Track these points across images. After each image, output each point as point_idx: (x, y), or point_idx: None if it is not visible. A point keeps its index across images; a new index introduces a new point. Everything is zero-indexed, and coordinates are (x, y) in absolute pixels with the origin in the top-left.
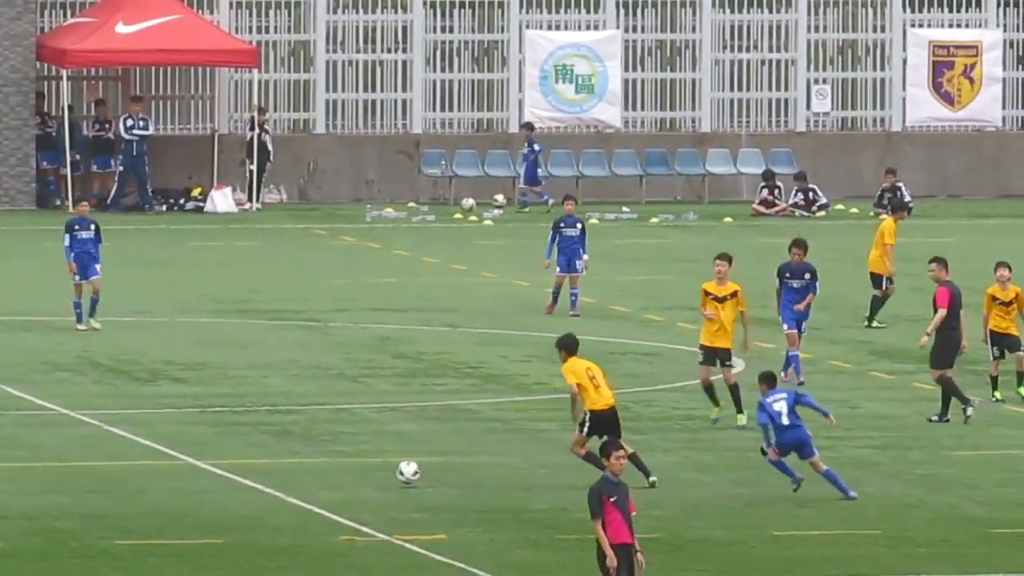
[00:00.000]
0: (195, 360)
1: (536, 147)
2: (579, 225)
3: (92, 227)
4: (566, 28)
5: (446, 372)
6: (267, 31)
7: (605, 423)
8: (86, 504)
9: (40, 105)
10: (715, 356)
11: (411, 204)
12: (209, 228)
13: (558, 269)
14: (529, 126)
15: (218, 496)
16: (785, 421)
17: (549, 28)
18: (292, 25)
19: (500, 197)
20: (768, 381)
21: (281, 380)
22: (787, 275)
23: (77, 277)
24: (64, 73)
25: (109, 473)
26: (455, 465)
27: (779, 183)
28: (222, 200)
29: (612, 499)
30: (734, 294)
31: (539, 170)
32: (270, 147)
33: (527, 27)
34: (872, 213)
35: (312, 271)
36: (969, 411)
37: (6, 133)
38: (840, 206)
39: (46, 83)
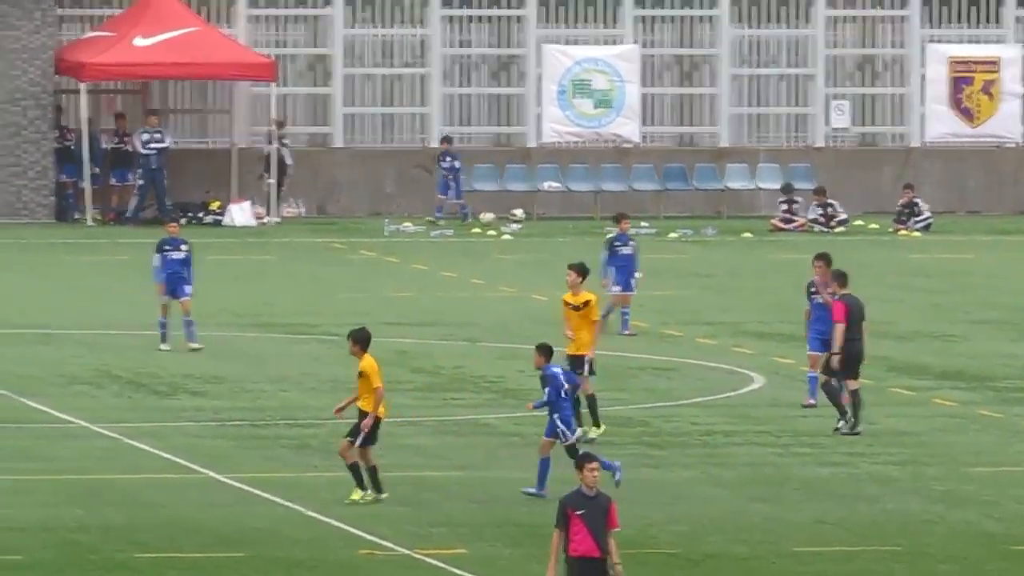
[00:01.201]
0: (213, 373)
1: (456, 164)
2: (632, 243)
3: (183, 247)
4: (584, 43)
5: (464, 387)
6: (285, 45)
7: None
8: (104, 517)
9: (59, 118)
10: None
11: (429, 219)
12: (227, 242)
13: (617, 288)
14: (447, 139)
15: (236, 509)
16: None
17: (567, 43)
18: (310, 39)
19: (519, 212)
20: (546, 353)
21: (299, 394)
22: (812, 291)
23: (166, 296)
24: (82, 86)
25: (127, 486)
26: (473, 480)
27: (798, 198)
28: (240, 214)
29: (579, 512)
30: (586, 303)
31: (460, 184)
32: (289, 161)
33: (545, 42)
34: (891, 229)
35: (330, 285)
36: (840, 424)
37: (25, 147)
38: (859, 221)
39: (65, 96)
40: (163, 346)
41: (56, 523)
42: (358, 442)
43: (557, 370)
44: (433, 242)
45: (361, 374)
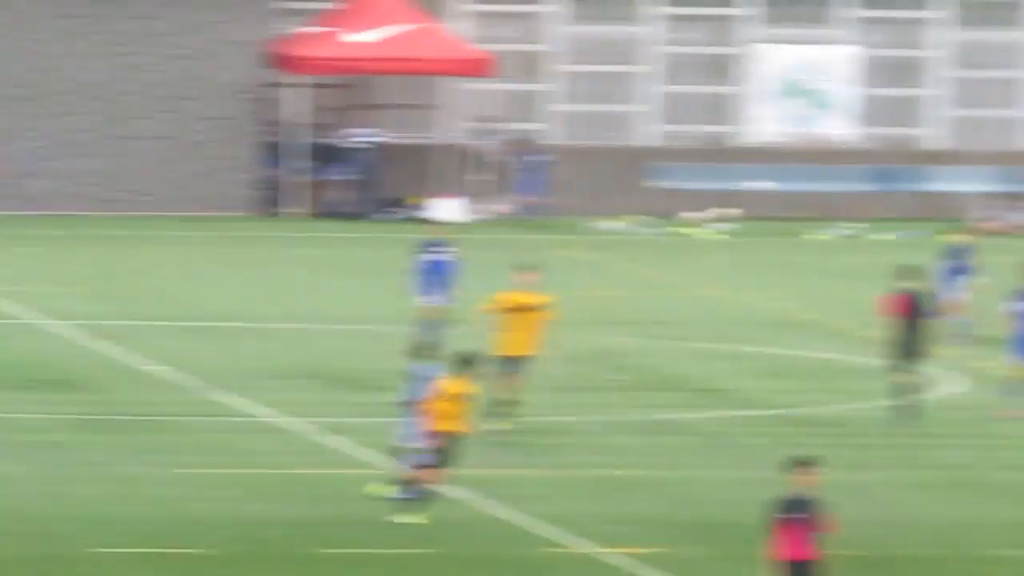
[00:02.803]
0: None
1: (536, 160)
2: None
3: (446, 249)
4: (799, 43)
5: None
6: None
7: None
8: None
9: (268, 112)
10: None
11: (638, 217)
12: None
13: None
14: (522, 138)
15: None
16: None
17: (782, 43)
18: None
19: (719, 211)
20: None
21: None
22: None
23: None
24: (294, 80)
25: (314, 481)
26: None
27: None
28: (445, 209)
29: (791, 515)
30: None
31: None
32: (493, 158)
33: (762, 41)
34: None
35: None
36: None
37: (232, 139)
38: None
39: (274, 90)
40: None
41: (242, 519)
42: None
43: None
44: (642, 240)
45: None
